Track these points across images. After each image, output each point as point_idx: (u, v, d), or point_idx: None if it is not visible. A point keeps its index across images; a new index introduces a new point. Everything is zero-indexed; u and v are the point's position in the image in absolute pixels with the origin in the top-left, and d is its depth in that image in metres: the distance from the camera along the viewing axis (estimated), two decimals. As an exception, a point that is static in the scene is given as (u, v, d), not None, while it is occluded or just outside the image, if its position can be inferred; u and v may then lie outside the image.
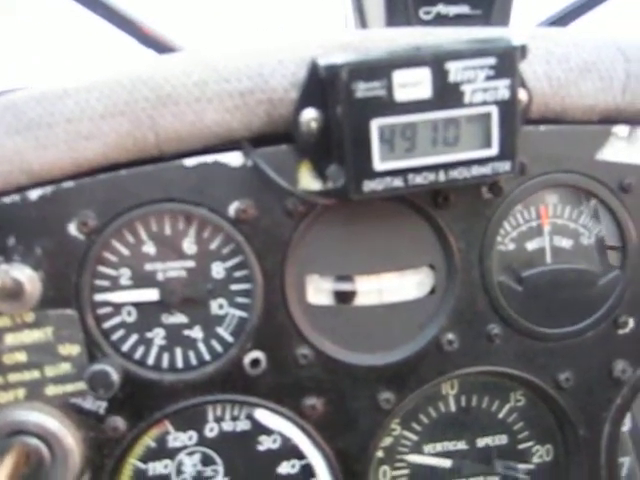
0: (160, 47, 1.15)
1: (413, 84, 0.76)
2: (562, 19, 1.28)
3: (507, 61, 0.77)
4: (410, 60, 0.75)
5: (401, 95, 0.76)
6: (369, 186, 0.78)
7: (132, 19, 1.16)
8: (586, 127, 0.90)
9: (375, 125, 0.76)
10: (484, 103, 0.78)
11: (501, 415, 0.98)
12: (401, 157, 0.78)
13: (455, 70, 0.76)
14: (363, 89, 0.75)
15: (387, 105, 0.76)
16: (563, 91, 0.87)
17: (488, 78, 0.77)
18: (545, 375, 0.94)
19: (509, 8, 0.93)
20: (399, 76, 0.75)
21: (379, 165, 0.77)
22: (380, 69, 0.75)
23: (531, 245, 0.93)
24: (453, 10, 0.91)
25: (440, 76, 0.76)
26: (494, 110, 0.78)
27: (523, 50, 0.78)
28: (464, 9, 0.91)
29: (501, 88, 0.78)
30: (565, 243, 0.94)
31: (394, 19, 0.91)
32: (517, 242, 0.92)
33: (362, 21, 1.00)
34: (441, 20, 0.91)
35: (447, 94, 0.77)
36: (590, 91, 0.87)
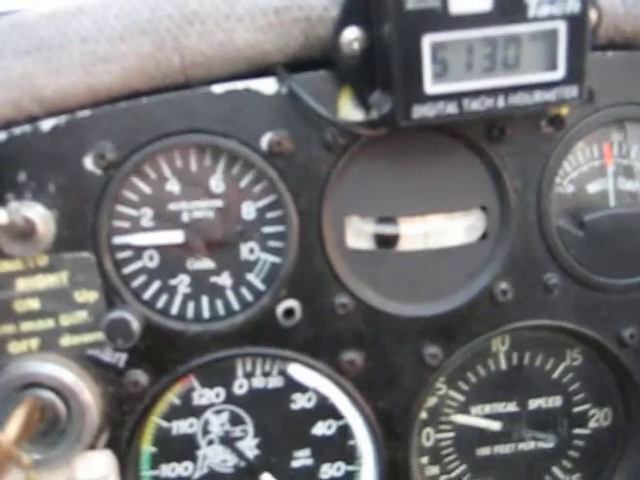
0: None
1: (471, -6, 0.67)
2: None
3: (579, -32, 0.68)
4: None
5: (457, 7, 0.67)
6: (419, 112, 0.69)
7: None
8: None
9: (427, 41, 0.67)
10: (550, 17, 0.68)
11: (556, 375, 0.90)
12: (455, 79, 0.69)
13: (519, -22, 0.67)
14: (414, 0, 0.66)
15: (441, 18, 0.67)
16: (636, 10, 0.77)
17: None
18: (607, 330, 0.85)
19: None
20: (456, -16, 0.66)
21: (431, 88, 0.69)
22: None
23: (593, 187, 0.84)
24: None
25: None
26: (561, 26, 0.69)
27: None
28: None
29: (570, 0, 0.68)
30: (630, 186, 0.85)
31: None
32: (577, 183, 0.83)
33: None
34: None
35: (508, 6, 0.67)
36: (666, 11, 0.78)
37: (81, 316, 0.78)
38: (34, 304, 0.78)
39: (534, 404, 0.90)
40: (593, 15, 0.73)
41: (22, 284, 0.77)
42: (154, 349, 0.79)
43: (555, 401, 0.91)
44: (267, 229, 0.79)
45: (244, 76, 0.76)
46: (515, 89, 0.70)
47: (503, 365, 0.89)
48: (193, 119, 0.75)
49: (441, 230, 0.82)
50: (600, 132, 0.82)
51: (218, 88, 0.75)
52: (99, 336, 0.78)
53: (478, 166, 0.80)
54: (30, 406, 0.73)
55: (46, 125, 0.74)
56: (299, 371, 0.83)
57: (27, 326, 0.78)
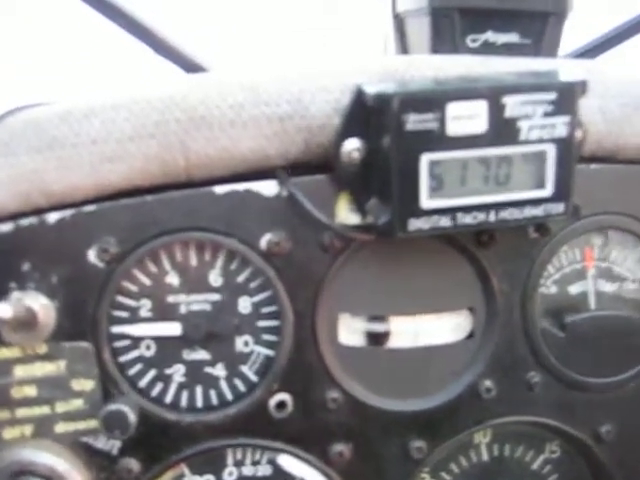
0: (186, 64, 1.09)
1: (467, 117, 0.71)
2: (590, 51, 1.24)
3: (567, 97, 0.72)
4: (466, 92, 0.70)
5: (454, 129, 0.71)
6: (415, 225, 0.73)
7: (155, 31, 1.11)
8: (638, 167, 0.85)
9: (425, 160, 0.71)
10: (540, 141, 0.73)
11: (535, 466, 0.93)
12: (450, 195, 0.73)
13: (513, 104, 0.71)
14: (414, 121, 0.70)
15: (439, 139, 0.71)
16: (617, 128, 0.82)
17: (546, 114, 0.72)
18: (585, 427, 0.89)
19: (559, 39, 0.89)
20: (453, 109, 0.70)
21: (427, 203, 0.72)
22: (434, 100, 0.70)
23: (574, 289, 0.88)
24: (502, 38, 0.86)
25: (496, 110, 0.71)
26: (550, 148, 0.73)
27: (584, 86, 0.73)
28: (513, 38, 0.87)
29: (559, 125, 0.73)
30: (609, 287, 0.89)
31: (439, 45, 0.86)
32: (560, 285, 0.87)
33: (403, 46, 0.96)
34: (488, 48, 0.86)
35: (502, 130, 0.72)
36: (645, 129, 0.83)
37: (77, 404, 0.79)
38: (31, 391, 0.79)
39: None
40: (578, 134, 0.77)
41: (20, 371, 0.78)
42: (147, 437, 0.81)
43: None
44: (262, 323, 0.82)
45: (245, 177, 0.79)
46: (505, 205, 0.74)
47: (485, 456, 0.92)
48: (195, 218, 0.77)
49: (429, 329, 0.85)
50: (582, 237, 0.87)
51: (220, 189, 0.77)
52: (93, 423, 0.79)
53: (467, 269, 0.84)
54: (27, 498, 0.74)
55: (52, 218, 0.76)
56: (289, 461, 0.85)
57: (22, 412, 0.79)
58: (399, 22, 0.97)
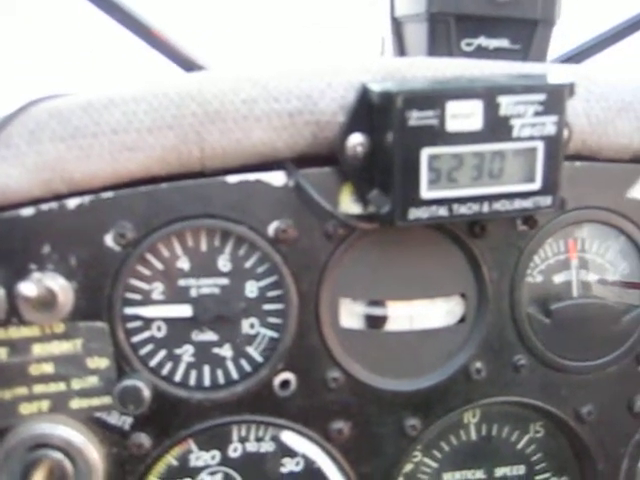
0: (184, 62, 1.13)
1: (465, 115, 0.76)
2: (576, 56, 1.30)
3: (556, 98, 0.78)
4: (464, 92, 0.76)
5: (452, 125, 0.76)
6: (415, 214, 0.78)
7: (155, 30, 1.15)
8: (618, 165, 0.91)
9: (425, 154, 0.76)
10: (531, 138, 0.79)
11: (520, 445, 0.99)
12: (447, 187, 0.78)
13: (506, 104, 0.77)
14: (416, 117, 0.75)
15: (438, 135, 0.76)
16: (600, 129, 0.88)
17: (537, 114, 0.78)
18: (568, 407, 0.95)
19: (547, 44, 0.95)
20: (452, 107, 0.76)
21: (426, 193, 0.78)
22: (434, 99, 0.75)
23: (558, 278, 0.94)
24: (494, 43, 0.93)
25: (491, 109, 0.77)
26: (540, 145, 0.79)
27: (571, 88, 0.79)
28: (504, 43, 0.93)
29: (548, 124, 0.79)
30: (591, 278, 0.95)
31: (436, 48, 0.92)
32: (545, 274, 0.93)
33: (401, 48, 1.02)
34: (481, 52, 0.93)
35: (497, 127, 0.77)
36: (626, 130, 0.89)
37: (92, 381, 0.84)
38: (48, 368, 0.83)
39: (500, 472, 0.99)
40: (565, 133, 0.83)
41: (38, 349, 0.82)
42: (158, 414, 0.85)
43: (519, 469, 0.99)
44: (267, 306, 0.87)
45: (255, 168, 0.84)
46: (498, 197, 0.80)
47: (473, 436, 0.98)
48: (207, 205, 0.82)
49: (424, 313, 0.91)
50: (566, 230, 0.93)
51: (232, 178, 0.82)
52: (107, 400, 0.84)
53: (460, 258, 0.90)
54: (47, 468, 0.78)
55: (71, 203, 0.80)
56: (291, 438, 0.90)
57: (39, 389, 0.83)
58: (397, 26, 1.03)
